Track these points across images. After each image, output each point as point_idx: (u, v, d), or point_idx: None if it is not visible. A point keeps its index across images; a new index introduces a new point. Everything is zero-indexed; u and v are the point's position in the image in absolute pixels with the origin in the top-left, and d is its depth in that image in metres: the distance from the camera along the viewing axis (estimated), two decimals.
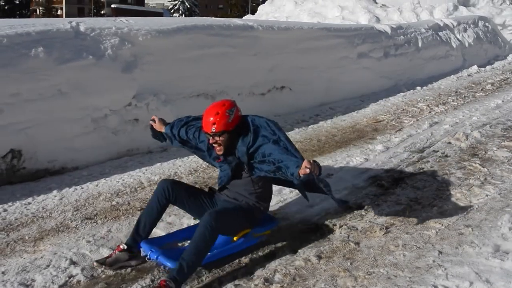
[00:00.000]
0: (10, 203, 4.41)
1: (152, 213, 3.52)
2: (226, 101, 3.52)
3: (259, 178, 3.54)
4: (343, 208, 4.20)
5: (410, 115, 7.72)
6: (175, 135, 3.85)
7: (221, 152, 3.50)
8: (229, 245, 3.51)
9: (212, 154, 3.68)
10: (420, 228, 3.93)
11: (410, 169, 5.29)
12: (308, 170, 3.06)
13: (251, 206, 3.58)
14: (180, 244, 3.68)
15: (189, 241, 3.33)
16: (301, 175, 3.12)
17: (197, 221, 3.67)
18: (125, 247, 3.42)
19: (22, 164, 4.96)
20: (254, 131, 3.48)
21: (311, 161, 3.12)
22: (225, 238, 3.50)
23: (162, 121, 3.96)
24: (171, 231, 3.84)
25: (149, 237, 3.52)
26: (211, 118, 3.40)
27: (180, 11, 70.86)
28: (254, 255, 3.56)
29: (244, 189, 3.59)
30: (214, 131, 3.40)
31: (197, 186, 4.81)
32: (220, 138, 3.44)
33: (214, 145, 3.48)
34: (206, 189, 3.90)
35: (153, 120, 3.97)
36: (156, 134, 4.02)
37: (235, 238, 3.51)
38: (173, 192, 3.54)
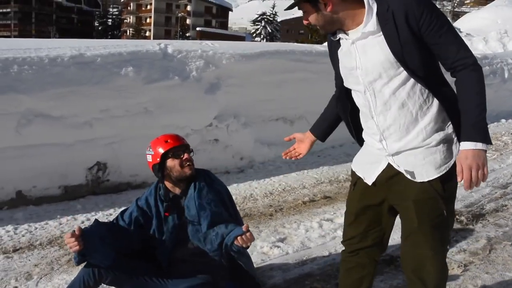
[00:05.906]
0: (93, 213, 4.62)
1: None
2: None
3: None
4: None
5: (493, 149, 7.43)
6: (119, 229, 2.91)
7: (190, 172, 2.86)
8: None
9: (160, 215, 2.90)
10: (502, 269, 3.75)
11: (492, 205, 5.08)
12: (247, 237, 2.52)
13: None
14: None
15: None
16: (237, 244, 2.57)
17: None
18: None
19: (107, 177, 5.20)
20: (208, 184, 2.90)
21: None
22: None
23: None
24: None
25: None
26: (172, 134, 2.93)
27: (262, 36, 72.17)
28: (327, 285, 3.52)
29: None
30: (186, 142, 2.90)
31: (271, 208, 4.84)
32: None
33: (188, 163, 2.84)
34: None
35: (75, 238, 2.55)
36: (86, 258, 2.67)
37: None
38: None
